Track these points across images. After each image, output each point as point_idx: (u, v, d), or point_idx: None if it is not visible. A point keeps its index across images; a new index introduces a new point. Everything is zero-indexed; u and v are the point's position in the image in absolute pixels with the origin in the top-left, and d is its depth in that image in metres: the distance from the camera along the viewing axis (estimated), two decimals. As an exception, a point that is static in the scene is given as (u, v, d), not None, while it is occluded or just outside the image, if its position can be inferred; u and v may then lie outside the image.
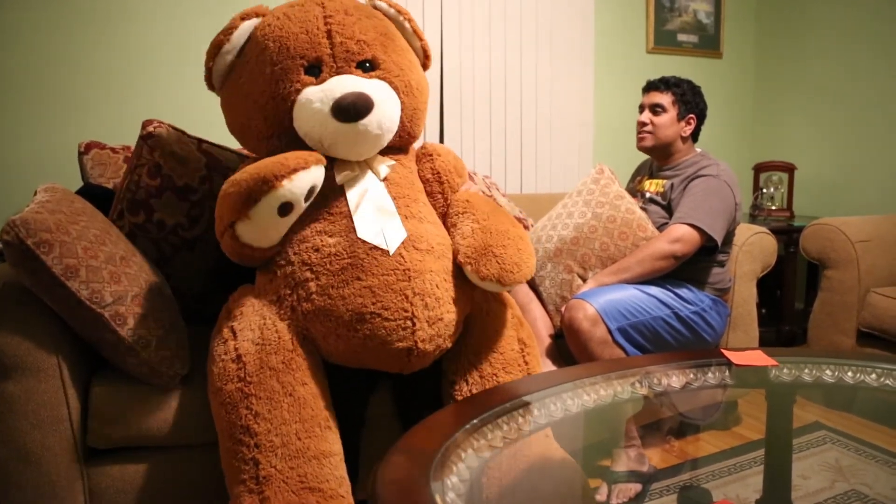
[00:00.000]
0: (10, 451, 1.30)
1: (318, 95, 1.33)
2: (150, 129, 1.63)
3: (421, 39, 1.57)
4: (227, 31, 1.41)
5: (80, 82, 2.40)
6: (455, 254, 1.42)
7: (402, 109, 1.44)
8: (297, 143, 1.38)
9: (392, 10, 1.54)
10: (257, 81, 1.40)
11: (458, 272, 1.42)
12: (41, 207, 1.32)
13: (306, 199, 1.28)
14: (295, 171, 1.23)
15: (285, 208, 1.25)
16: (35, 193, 1.49)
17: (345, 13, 1.43)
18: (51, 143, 2.36)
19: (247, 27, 1.42)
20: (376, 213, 1.36)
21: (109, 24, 2.42)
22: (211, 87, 1.50)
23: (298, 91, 1.37)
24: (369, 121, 1.32)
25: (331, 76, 1.39)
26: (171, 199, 1.63)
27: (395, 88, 1.43)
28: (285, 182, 1.21)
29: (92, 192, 1.73)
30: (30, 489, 1.31)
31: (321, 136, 1.34)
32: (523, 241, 1.43)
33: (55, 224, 1.29)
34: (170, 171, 1.62)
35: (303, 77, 1.38)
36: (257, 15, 1.43)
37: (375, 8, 1.53)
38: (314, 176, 1.27)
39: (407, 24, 1.55)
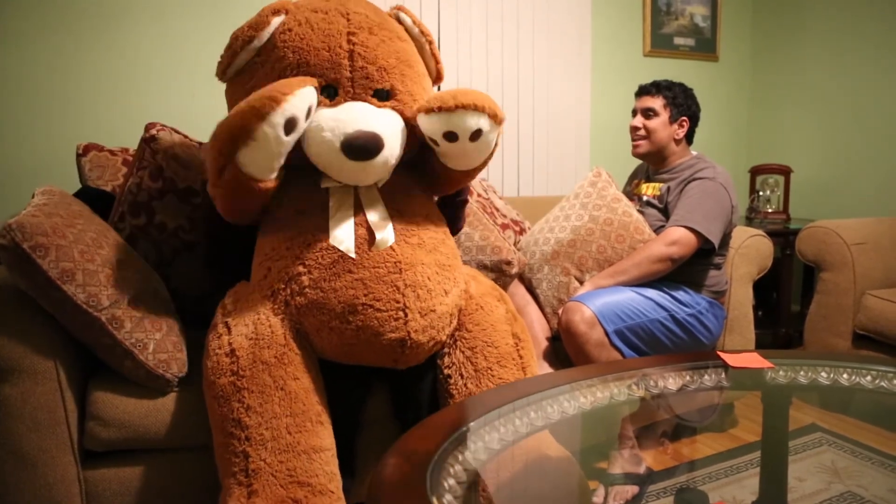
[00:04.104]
0: (7, 453, 1.30)
1: (329, 124, 1.32)
2: (153, 131, 1.63)
3: (437, 63, 1.57)
4: (258, 27, 1.37)
5: (78, 84, 2.40)
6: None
7: (407, 135, 1.43)
8: (300, 157, 1.37)
9: (416, 30, 1.52)
10: None
11: (451, 265, 1.43)
12: (38, 210, 1.33)
13: (306, 117, 1.28)
14: (296, 87, 1.23)
15: (290, 125, 1.23)
16: (33, 196, 1.49)
17: (369, 31, 1.41)
18: (49, 146, 2.36)
19: (275, 24, 1.38)
20: (372, 215, 1.37)
21: (107, 27, 2.42)
22: (221, 75, 1.46)
23: None
24: (377, 160, 1.33)
25: (345, 100, 1.38)
26: (173, 202, 1.63)
27: (405, 118, 1.43)
28: (290, 98, 1.21)
29: (90, 195, 1.73)
30: (27, 492, 1.31)
31: (328, 165, 1.35)
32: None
33: (51, 227, 1.29)
34: (172, 173, 1.62)
35: (318, 96, 1.36)
36: (286, 11, 1.39)
37: (399, 21, 1.51)
38: (312, 94, 1.28)
39: (427, 47, 1.54)
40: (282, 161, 1.30)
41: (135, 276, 1.42)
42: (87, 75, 2.41)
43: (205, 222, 1.65)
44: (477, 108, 1.31)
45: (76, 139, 2.08)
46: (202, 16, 2.53)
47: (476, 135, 1.34)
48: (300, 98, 1.23)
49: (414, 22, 1.53)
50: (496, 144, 1.43)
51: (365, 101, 1.40)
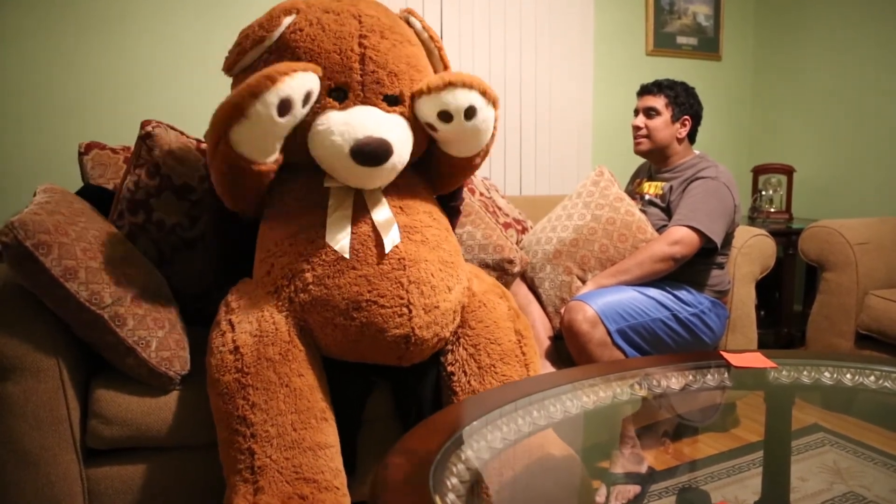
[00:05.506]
0: (9, 451, 1.30)
1: (339, 128, 1.32)
2: (149, 128, 1.63)
3: (447, 67, 1.57)
4: (270, 27, 1.36)
5: (81, 83, 2.40)
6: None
7: (415, 139, 1.43)
8: (305, 155, 1.37)
9: (425, 35, 1.53)
10: None
11: (454, 262, 1.43)
12: (40, 209, 1.33)
13: (304, 103, 1.28)
14: (296, 70, 1.23)
15: (285, 106, 1.23)
16: (35, 194, 1.49)
17: (381, 35, 1.40)
18: (51, 144, 2.36)
19: (286, 23, 1.38)
20: (378, 215, 1.37)
21: (109, 26, 2.42)
22: (227, 71, 1.45)
23: (318, 112, 1.36)
24: (385, 166, 1.33)
25: (355, 104, 1.38)
26: (171, 199, 1.63)
27: (412, 125, 1.43)
28: (286, 78, 1.21)
29: (92, 193, 1.73)
30: (28, 490, 1.31)
31: (334, 167, 1.35)
32: None
33: (54, 225, 1.29)
34: (169, 170, 1.62)
35: (327, 99, 1.36)
36: (297, 10, 1.39)
37: (408, 24, 1.51)
38: (312, 79, 1.28)
39: (436, 52, 1.55)
40: (277, 145, 1.30)
41: (137, 274, 1.42)
42: (89, 74, 2.41)
43: (210, 214, 1.64)
44: (465, 85, 1.34)
45: (77, 138, 2.08)
46: (202, 15, 2.53)
47: (470, 112, 1.35)
48: (298, 80, 1.23)
49: (423, 27, 1.53)
50: (495, 129, 1.45)
51: (375, 105, 1.39)
